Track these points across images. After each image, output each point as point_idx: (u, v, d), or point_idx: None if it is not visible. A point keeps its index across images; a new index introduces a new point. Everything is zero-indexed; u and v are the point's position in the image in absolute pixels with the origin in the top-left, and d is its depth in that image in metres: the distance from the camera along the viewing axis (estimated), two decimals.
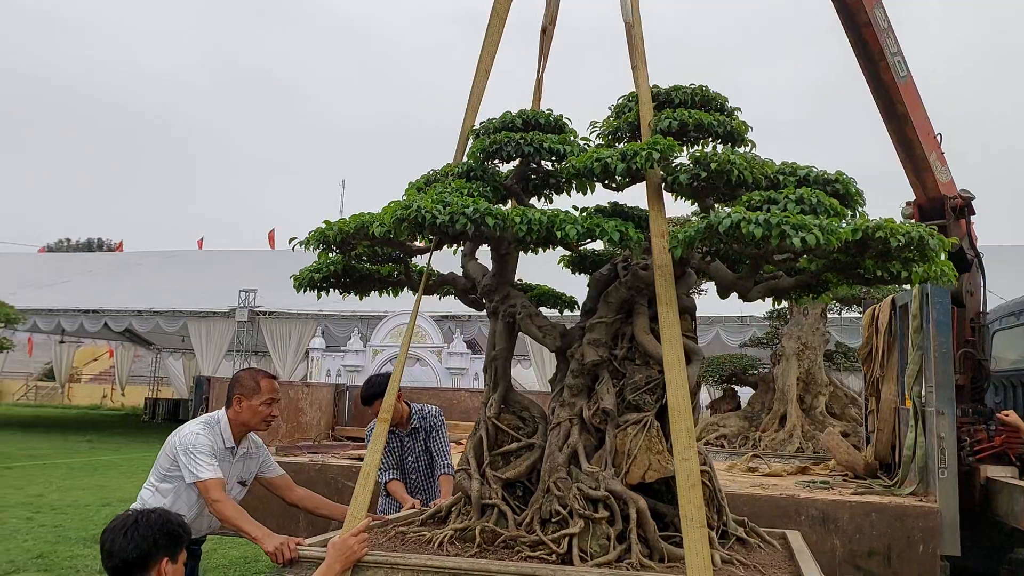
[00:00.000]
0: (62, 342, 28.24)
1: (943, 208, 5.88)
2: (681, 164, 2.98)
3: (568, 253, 3.95)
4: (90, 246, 59.37)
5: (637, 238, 2.85)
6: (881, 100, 5.67)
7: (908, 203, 6.16)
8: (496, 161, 3.32)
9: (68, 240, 64.76)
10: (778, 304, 3.50)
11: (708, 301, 16.70)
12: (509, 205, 3.48)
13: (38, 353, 36.45)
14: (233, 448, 3.54)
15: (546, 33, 4.02)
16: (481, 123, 3.41)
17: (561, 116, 3.39)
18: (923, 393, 5.21)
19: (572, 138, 3.36)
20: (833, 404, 10.68)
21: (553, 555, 2.92)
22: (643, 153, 2.80)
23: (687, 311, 3.37)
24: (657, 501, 3.31)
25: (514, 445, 3.42)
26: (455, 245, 3.43)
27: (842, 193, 3.14)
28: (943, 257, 2.91)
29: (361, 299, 3.83)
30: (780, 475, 6.11)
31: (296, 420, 7.17)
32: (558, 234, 2.81)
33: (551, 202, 3.68)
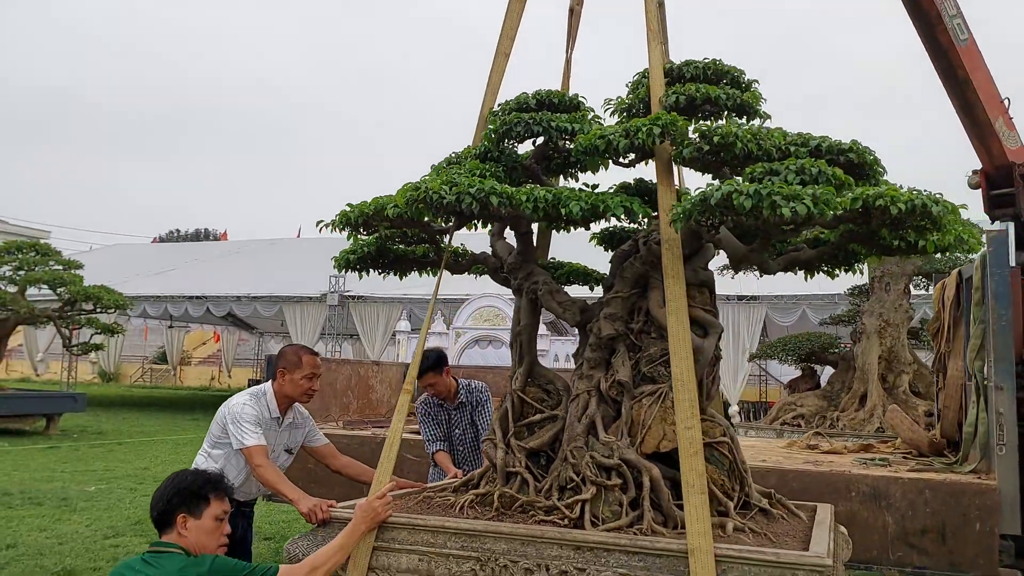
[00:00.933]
0: (171, 327, 29.89)
1: (1012, 175, 5.63)
2: (687, 138, 3.02)
3: (600, 231, 4.04)
4: (198, 236, 62.36)
5: (644, 213, 2.92)
6: (939, 64, 5.46)
7: (974, 171, 5.92)
8: (514, 142, 3.43)
9: (178, 231, 68.28)
10: (843, 273, 3.42)
11: (793, 280, 16.32)
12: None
13: (152, 338, 38.75)
14: (279, 418, 3.80)
15: (574, 13, 4.10)
16: (499, 105, 3.52)
17: (577, 95, 3.47)
18: (984, 368, 5.04)
19: (589, 117, 3.44)
20: (918, 383, 10.33)
21: (566, 520, 3.05)
22: (644, 129, 2.86)
23: (705, 285, 3.42)
24: (675, 471, 3.39)
25: (537, 416, 3.55)
26: (479, 225, 3.58)
27: (857, 163, 3.12)
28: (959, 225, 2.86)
29: (402, 279, 4.01)
30: (840, 452, 6.02)
31: (367, 397, 7.48)
32: (563, 211, 2.91)
33: (576, 181, 3.77)
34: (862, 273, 3.64)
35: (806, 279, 3.79)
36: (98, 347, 17.47)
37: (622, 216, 2.94)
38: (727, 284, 16.29)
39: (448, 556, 2.98)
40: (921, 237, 2.88)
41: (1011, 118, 5.61)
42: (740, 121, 3.14)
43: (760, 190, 2.54)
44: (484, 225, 3.55)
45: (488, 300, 18.10)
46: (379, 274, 3.98)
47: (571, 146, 3.45)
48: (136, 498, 8.99)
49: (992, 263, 4.96)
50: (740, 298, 17.44)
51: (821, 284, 16.04)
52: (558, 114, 3.29)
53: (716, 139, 2.89)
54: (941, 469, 5.19)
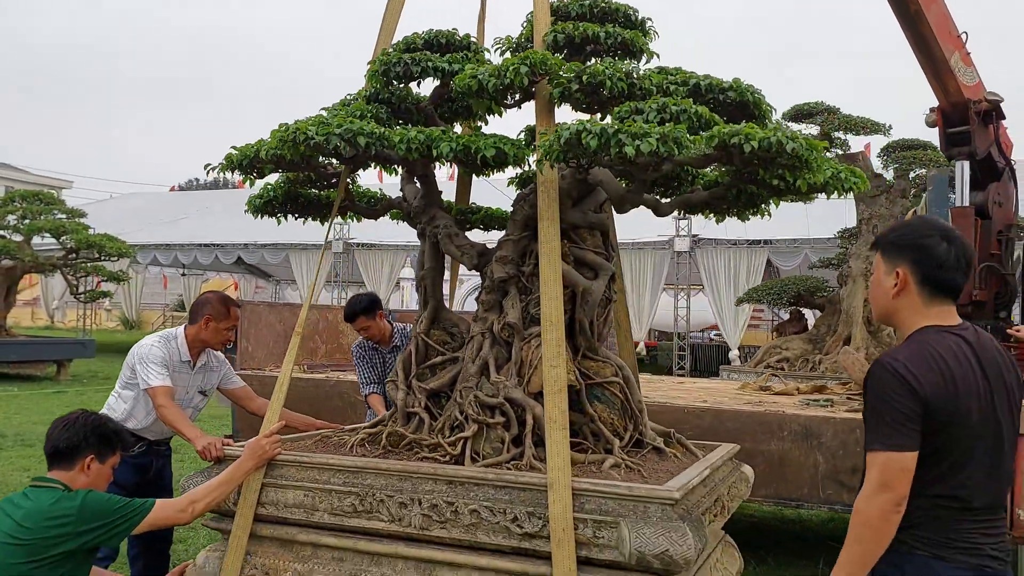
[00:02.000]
0: (183, 275, 30.28)
1: (967, 113, 5.51)
2: (559, 78, 3.00)
3: (519, 175, 4.04)
4: (216, 184, 62.58)
5: (514, 154, 2.92)
6: None
7: (931, 109, 5.79)
8: (402, 84, 3.42)
9: (196, 180, 68.56)
10: (751, 216, 3.41)
11: (796, 224, 16.08)
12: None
13: (172, 286, 39.38)
14: (190, 361, 3.90)
15: None
16: (393, 45, 3.50)
17: (468, 35, 3.44)
18: None
19: (484, 58, 3.41)
20: None
21: (448, 456, 3.14)
22: (511, 68, 2.84)
23: (596, 227, 3.43)
24: (570, 409, 3.45)
25: (439, 359, 3.61)
26: (383, 169, 3.59)
27: (741, 102, 3.09)
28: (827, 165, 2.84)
29: (304, 223, 4.04)
30: (791, 394, 6.05)
31: (337, 342, 7.60)
32: (434, 152, 2.92)
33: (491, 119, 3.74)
34: (769, 215, 3.62)
35: (717, 221, 3.77)
36: (105, 294, 17.82)
37: (492, 157, 2.94)
38: (732, 228, 16.15)
39: (331, 492, 3.08)
40: (793, 176, 2.86)
41: (968, 53, 5.47)
42: (613, 60, 3.09)
43: (606, 129, 2.53)
44: (386, 169, 3.57)
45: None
46: (296, 219, 4.02)
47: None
48: None
49: (931, 203, 4.91)
50: (742, 243, 17.31)
51: (823, 227, 15.92)
52: (434, 54, 3.27)
53: (585, 79, 2.87)
54: None
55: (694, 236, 17.64)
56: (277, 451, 3.16)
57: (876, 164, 10.65)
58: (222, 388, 4.12)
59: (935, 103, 5.75)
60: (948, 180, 4.99)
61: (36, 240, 16.03)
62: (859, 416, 4.89)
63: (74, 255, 16.06)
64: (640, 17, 3.35)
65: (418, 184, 3.70)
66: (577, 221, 3.34)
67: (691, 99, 2.95)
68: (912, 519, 2.04)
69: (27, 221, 15.68)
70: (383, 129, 2.93)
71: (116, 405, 3.83)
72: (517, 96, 3.16)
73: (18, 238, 15.81)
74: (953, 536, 2.04)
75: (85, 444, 2.81)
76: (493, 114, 3.36)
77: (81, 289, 16.92)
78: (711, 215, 3.59)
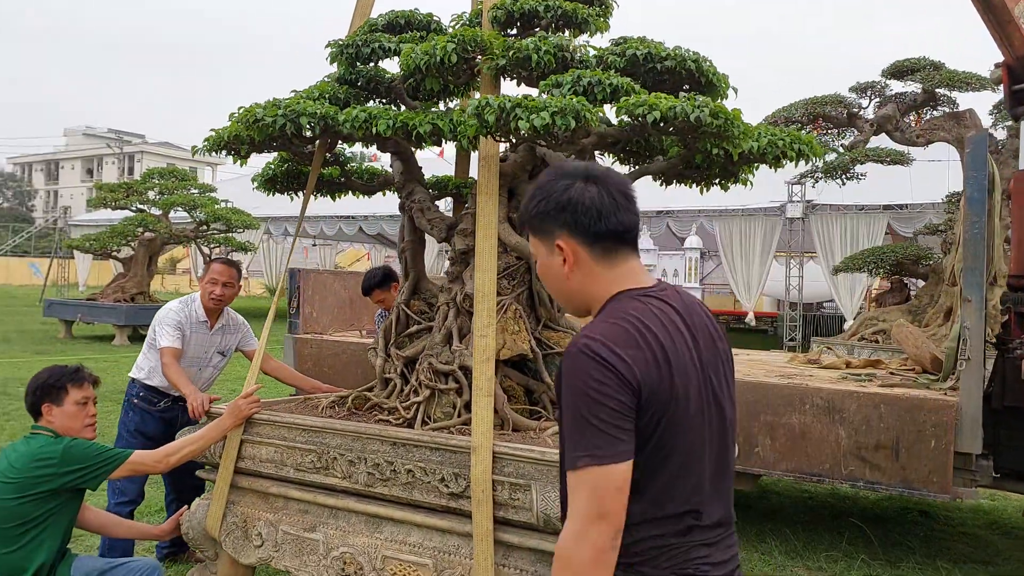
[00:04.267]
0: (314, 245, 31.92)
1: None
2: (493, 54, 3.05)
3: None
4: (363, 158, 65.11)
5: (448, 130, 3.02)
6: None
7: (996, 65, 5.35)
8: (374, 64, 3.56)
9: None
10: (718, 184, 3.38)
11: (918, 189, 15.13)
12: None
13: (312, 255, 41.70)
14: (206, 322, 4.27)
15: None
16: (360, 28, 3.64)
17: (431, 15, 3.54)
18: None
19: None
20: None
21: (402, 420, 3.32)
22: (440, 47, 2.94)
23: None
24: (528, 377, 3.55)
25: (414, 328, 3.78)
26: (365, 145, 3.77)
27: (679, 71, 3.05)
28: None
29: (332, 199, 4.28)
30: (839, 367, 5.82)
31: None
32: (374, 130, 3.06)
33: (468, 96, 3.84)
34: (740, 184, 3.56)
35: (697, 187, 3.73)
36: None
37: (428, 133, 3.04)
38: (849, 194, 15.36)
39: (296, 449, 3.34)
40: (717, 146, 2.83)
41: None
42: (550, 34, 3.10)
43: (504, 104, 2.59)
44: (348, 145, 3.74)
45: None
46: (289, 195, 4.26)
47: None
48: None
49: (969, 165, 4.59)
50: (860, 208, 16.43)
51: (903, 193, 14.86)
52: (385, 35, 3.39)
53: (512, 54, 2.93)
54: (915, 385, 4.96)
55: (808, 201, 16.89)
56: (254, 410, 3.45)
57: (987, 122, 9.85)
58: (241, 349, 4.49)
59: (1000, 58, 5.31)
60: (988, 141, 4.62)
61: (172, 214, 17.39)
62: (884, 391, 4.70)
63: (205, 227, 17.32)
64: None
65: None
66: None
67: (624, 70, 2.95)
68: (634, 553, 1.54)
69: (163, 196, 17.04)
70: (329, 109, 3.10)
71: (143, 363, 4.27)
72: (468, 72, 3.24)
73: (156, 212, 17.21)
74: (691, 570, 1.57)
75: (36, 398, 3.20)
76: (448, 89, 3.46)
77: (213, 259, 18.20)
78: (677, 184, 3.58)
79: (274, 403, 3.74)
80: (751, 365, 6.02)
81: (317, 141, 3.56)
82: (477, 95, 3.88)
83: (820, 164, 10.88)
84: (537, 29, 3.27)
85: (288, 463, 3.36)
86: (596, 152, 3.78)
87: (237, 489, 3.52)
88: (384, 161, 4.96)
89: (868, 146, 10.07)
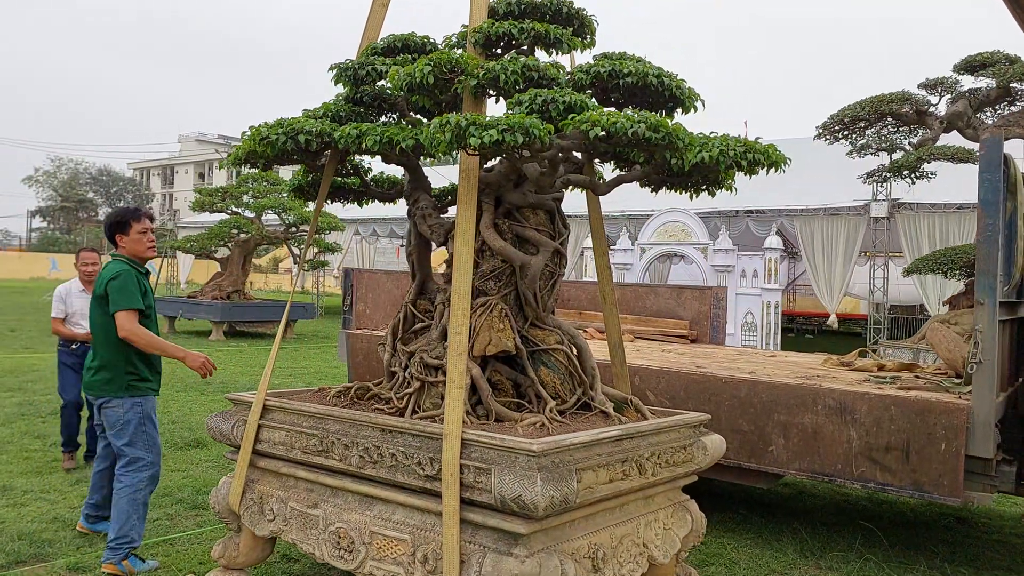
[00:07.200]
0: (402, 246, 32.86)
1: None
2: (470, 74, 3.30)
3: None
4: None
5: (429, 144, 3.29)
6: None
7: None
8: (376, 84, 3.88)
9: None
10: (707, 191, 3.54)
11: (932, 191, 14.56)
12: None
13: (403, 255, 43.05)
14: (84, 290, 6.36)
15: None
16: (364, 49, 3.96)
17: (427, 37, 3.83)
18: None
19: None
20: None
21: (394, 409, 3.63)
22: (417, 69, 3.22)
23: (539, 206, 3.72)
24: (516, 372, 3.80)
25: (419, 325, 4.09)
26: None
27: (643, 86, 3.24)
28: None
29: (343, 206, 4.65)
30: (870, 370, 5.80)
31: None
32: (363, 145, 3.38)
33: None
34: (725, 189, 3.70)
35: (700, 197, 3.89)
36: (323, 264, 19.97)
37: (411, 148, 3.33)
38: (938, 192, 14.84)
39: (302, 433, 3.69)
40: (674, 157, 3.01)
41: None
42: (521, 55, 3.32)
43: (460, 122, 2.85)
44: (374, 158, 4.07)
45: (674, 216, 18.00)
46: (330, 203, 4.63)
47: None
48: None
49: (983, 168, 4.55)
50: (951, 207, 15.83)
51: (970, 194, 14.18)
52: (379, 57, 3.70)
53: (482, 74, 3.18)
54: (933, 388, 4.94)
55: (894, 200, 16.39)
56: (204, 370, 4.43)
57: None
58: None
59: None
60: (997, 142, 4.55)
61: (264, 217, 18.38)
62: (896, 393, 4.71)
63: (295, 229, 18.22)
64: (571, 10, 3.55)
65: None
66: (518, 201, 3.66)
67: (596, 86, 3.17)
68: None
69: (256, 200, 18.03)
70: (326, 126, 3.44)
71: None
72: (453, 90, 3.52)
73: (250, 215, 18.23)
74: None
75: (111, 231, 4.54)
76: (442, 105, 3.74)
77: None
78: (666, 190, 3.76)
79: (291, 392, 4.12)
80: (780, 366, 6.07)
81: (328, 154, 3.91)
82: None
83: (887, 163, 10.64)
84: (513, 50, 3.51)
85: (296, 446, 3.72)
86: (595, 161, 4.00)
87: (256, 469, 3.91)
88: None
89: (937, 144, 9.80)
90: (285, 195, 18.44)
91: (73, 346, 6.40)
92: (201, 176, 73.99)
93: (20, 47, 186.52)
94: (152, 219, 4.66)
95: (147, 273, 4.61)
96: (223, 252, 18.72)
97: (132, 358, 4.39)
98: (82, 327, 6.06)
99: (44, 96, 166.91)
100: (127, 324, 4.28)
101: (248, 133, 3.58)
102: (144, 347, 4.36)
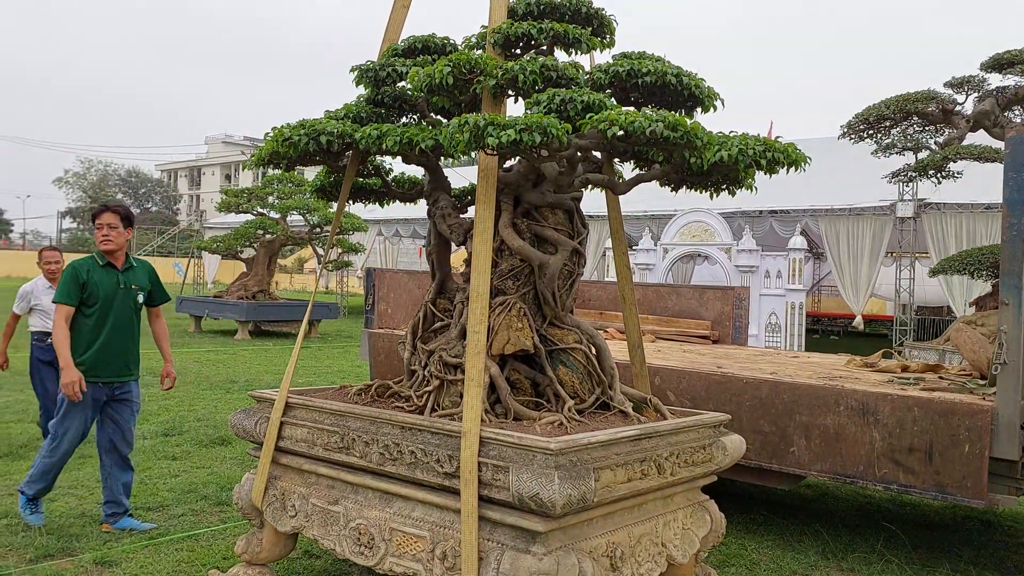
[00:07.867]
0: (424, 246, 33.07)
1: None
2: (489, 74, 3.32)
3: None
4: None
5: (448, 144, 3.32)
6: None
7: None
8: (396, 85, 3.92)
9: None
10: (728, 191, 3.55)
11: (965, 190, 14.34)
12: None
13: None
14: (50, 287, 6.52)
15: None
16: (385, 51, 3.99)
17: (447, 38, 3.86)
18: None
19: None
20: None
21: (414, 407, 3.66)
22: (437, 70, 3.25)
23: (558, 206, 3.73)
24: (535, 371, 3.82)
25: (438, 324, 4.12)
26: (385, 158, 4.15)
27: (661, 86, 3.25)
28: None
29: (365, 206, 4.69)
30: (894, 371, 5.75)
31: None
32: (384, 146, 3.42)
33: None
34: (750, 189, 3.69)
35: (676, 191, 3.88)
36: (347, 264, 20.11)
37: (431, 148, 3.36)
38: (965, 191, 14.65)
39: (323, 430, 3.74)
40: (692, 156, 3.01)
41: None
42: (541, 55, 3.34)
43: (479, 122, 2.88)
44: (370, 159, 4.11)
45: (697, 216, 17.91)
46: (352, 203, 4.68)
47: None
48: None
49: (1008, 166, 4.50)
50: (978, 207, 15.63)
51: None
52: (398, 58, 3.73)
53: (501, 74, 3.21)
54: (957, 389, 4.89)
55: (920, 200, 16.20)
56: (68, 390, 4.69)
57: None
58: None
59: None
60: (1022, 141, 4.49)
61: (289, 218, 18.54)
62: (919, 394, 4.67)
63: (319, 230, 18.37)
64: (590, 10, 3.56)
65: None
66: (536, 201, 3.68)
67: (616, 86, 3.18)
68: None
69: (281, 201, 18.20)
70: (347, 127, 3.48)
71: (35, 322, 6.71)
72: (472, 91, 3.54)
73: (275, 215, 18.40)
74: None
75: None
76: (462, 106, 3.76)
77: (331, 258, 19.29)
78: (686, 189, 3.76)
79: (313, 390, 4.17)
80: (802, 367, 6.03)
81: (350, 154, 3.95)
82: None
83: (913, 163, 10.54)
84: (533, 51, 3.53)
85: (318, 443, 3.76)
86: (615, 160, 4.01)
87: (278, 466, 3.96)
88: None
89: (964, 143, 9.69)
90: (310, 196, 18.61)
91: (48, 342, 6.41)
92: (227, 177, 74.76)
93: (52, 51, 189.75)
94: (123, 214, 5.05)
95: (133, 267, 5.17)
96: (249, 252, 18.92)
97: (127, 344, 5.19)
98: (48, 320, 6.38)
99: (73, 97, 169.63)
100: (54, 316, 4.83)
101: (271, 134, 3.63)
102: (53, 339, 4.84)
